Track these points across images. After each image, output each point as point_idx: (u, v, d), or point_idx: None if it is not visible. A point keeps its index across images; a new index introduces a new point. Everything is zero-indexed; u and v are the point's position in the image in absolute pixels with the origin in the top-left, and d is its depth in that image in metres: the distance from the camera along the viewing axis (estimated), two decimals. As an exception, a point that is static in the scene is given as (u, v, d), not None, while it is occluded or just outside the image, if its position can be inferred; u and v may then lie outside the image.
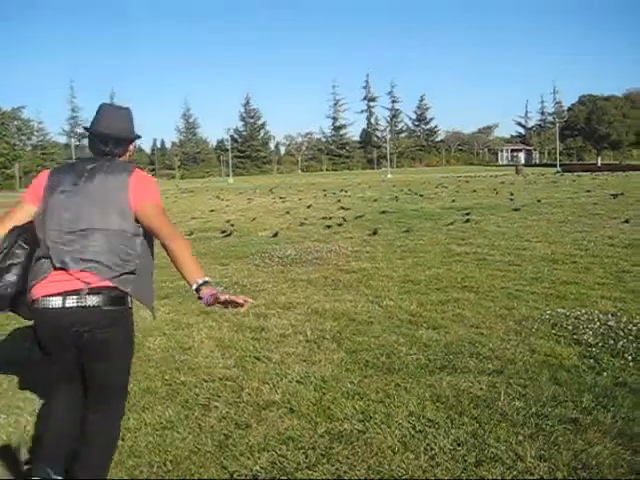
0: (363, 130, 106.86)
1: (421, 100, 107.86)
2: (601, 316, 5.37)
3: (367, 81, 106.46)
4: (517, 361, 4.40)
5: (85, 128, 2.94)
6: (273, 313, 6.05)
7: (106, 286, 2.59)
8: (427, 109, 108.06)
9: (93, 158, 2.83)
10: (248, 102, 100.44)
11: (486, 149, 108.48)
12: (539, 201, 17.77)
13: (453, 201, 19.40)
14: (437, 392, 3.88)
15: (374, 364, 4.48)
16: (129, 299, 2.70)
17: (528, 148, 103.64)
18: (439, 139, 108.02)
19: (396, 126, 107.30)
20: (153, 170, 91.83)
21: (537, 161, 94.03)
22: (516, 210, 15.30)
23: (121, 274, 2.63)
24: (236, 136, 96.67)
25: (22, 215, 2.78)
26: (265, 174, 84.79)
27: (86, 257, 2.58)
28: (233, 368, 4.55)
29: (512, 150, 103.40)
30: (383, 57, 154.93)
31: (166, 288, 7.38)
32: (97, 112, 2.90)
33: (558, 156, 71.07)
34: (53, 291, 2.57)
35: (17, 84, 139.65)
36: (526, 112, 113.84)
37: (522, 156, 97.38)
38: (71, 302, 2.56)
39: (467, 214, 14.56)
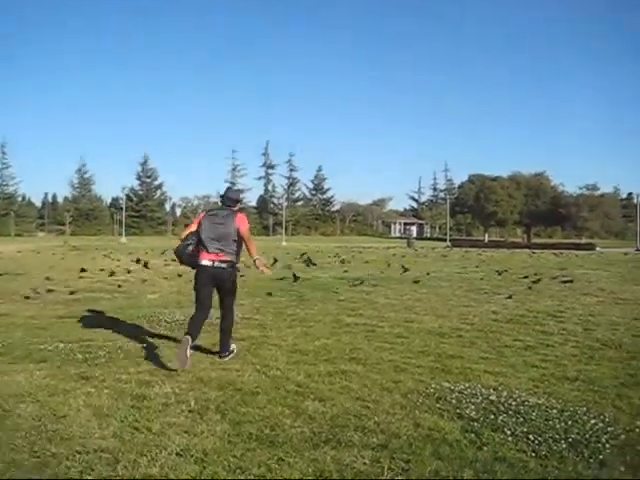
0: (260, 196, 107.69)
1: (319, 170, 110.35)
2: (483, 390, 5.48)
3: (266, 148, 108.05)
4: (401, 435, 4.40)
5: (220, 195, 7.60)
6: (156, 380, 5.81)
7: (227, 260, 6.65)
8: (324, 179, 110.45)
9: (222, 208, 6.96)
10: (146, 161, 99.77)
11: (380, 221, 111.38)
12: (429, 274, 18.27)
13: (345, 271, 19.66)
14: (320, 467, 3.81)
15: (258, 437, 4.37)
16: (234, 264, 6.80)
17: (420, 222, 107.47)
18: (335, 209, 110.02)
19: (293, 194, 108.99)
20: (42, 224, 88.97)
21: (428, 235, 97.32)
22: (406, 283, 15.64)
23: (232, 254, 6.71)
24: (132, 195, 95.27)
25: (193, 227, 6.80)
26: (159, 235, 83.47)
27: (220, 248, 6.61)
28: (110, 439, 4.32)
29: (405, 223, 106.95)
30: (284, 125, 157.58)
31: (45, 351, 7.02)
32: (226, 189, 7.26)
33: (448, 231, 73.87)
34: (207, 259, 6.63)
35: None
36: (419, 187, 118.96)
37: (414, 229, 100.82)
38: (215, 264, 6.62)
39: (359, 284, 14.74)
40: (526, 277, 17.53)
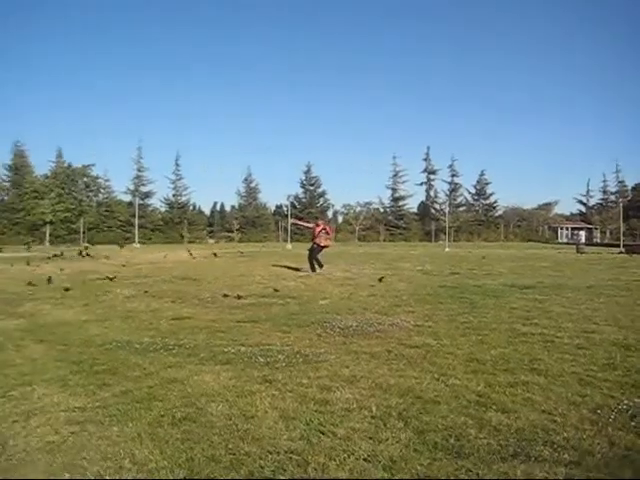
0: (421, 202, 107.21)
1: (481, 175, 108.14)
2: (682, 409, 5.12)
3: (427, 154, 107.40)
4: (595, 453, 4.20)
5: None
6: (337, 386, 5.94)
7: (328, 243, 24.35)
8: (487, 184, 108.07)
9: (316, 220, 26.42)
10: (309, 169, 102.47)
11: (546, 226, 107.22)
12: (604, 282, 17.33)
13: (515, 278, 19.06)
14: (512, 481, 3.72)
15: (443, 446, 4.34)
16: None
17: (589, 226, 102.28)
18: (498, 214, 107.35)
19: (455, 200, 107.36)
20: (212, 232, 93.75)
21: (598, 240, 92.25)
22: (581, 291, 14.93)
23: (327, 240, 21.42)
24: (296, 203, 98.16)
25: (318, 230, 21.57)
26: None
27: (327, 238, 21.97)
28: (298, 441, 4.47)
29: (572, 228, 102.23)
30: (445, 130, 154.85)
31: (228, 353, 7.38)
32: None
33: (622, 236, 69.78)
34: (324, 243, 21.26)
35: (88, 143, 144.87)
36: (587, 190, 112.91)
37: (583, 234, 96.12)
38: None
39: (530, 292, 14.26)
40: None
